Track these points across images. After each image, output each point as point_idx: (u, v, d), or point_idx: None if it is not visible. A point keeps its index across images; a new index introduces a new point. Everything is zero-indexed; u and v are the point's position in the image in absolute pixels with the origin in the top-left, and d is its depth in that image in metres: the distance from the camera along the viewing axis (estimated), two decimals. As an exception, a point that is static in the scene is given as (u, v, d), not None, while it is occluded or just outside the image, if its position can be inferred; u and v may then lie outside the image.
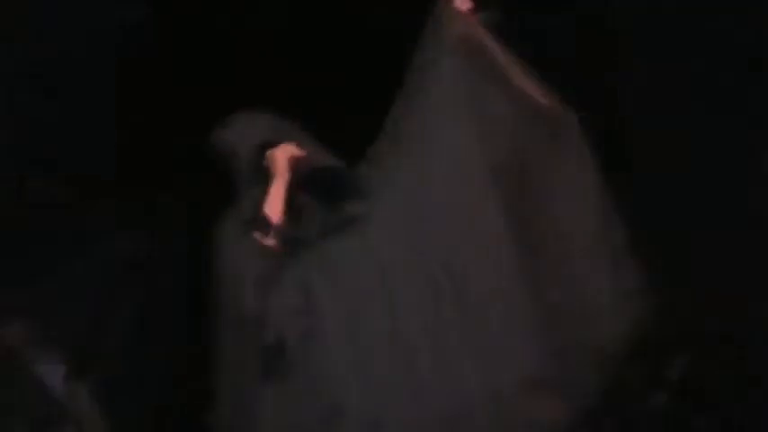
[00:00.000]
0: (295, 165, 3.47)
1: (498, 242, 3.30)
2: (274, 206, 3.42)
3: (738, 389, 5.66)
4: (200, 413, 3.79)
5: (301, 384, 3.24)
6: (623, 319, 3.52)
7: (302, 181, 3.49)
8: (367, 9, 5.72)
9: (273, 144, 3.51)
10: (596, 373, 3.49)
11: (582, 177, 3.49)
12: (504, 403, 3.24)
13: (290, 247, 3.39)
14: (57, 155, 5.85)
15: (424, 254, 3.36)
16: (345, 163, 3.58)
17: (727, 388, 5.68)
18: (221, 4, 6.14)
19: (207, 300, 3.54)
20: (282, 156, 3.47)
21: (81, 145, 5.88)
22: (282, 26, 6.09)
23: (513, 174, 3.37)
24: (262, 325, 3.26)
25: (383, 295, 3.28)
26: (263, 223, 3.37)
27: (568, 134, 3.49)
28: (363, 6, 5.70)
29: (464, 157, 3.37)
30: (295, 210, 3.46)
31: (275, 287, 3.28)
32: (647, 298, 3.53)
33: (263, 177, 3.47)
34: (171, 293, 5.35)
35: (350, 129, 3.90)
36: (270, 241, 3.36)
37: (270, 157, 3.45)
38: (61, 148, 5.85)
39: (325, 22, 5.92)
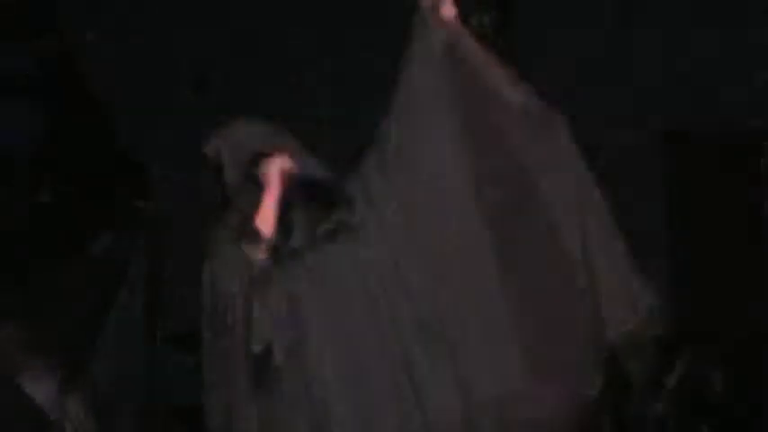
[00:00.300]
0: (287, 178, 3.47)
1: (483, 257, 3.31)
2: (266, 220, 3.43)
3: (738, 389, 5.69)
4: (195, 421, 3.83)
5: (289, 396, 3.25)
6: (624, 322, 3.52)
7: (293, 193, 3.50)
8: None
9: (265, 153, 3.51)
10: (597, 373, 3.49)
11: (575, 181, 3.49)
12: (491, 415, 3.26)
13: (279, 258, 3.39)
14: (55, 156, 5.90)
15: (410, 268, 3.37)
16: (336, 174, 3.59)
17: (728, 388, 5.71)
18: (223, 9, 6.22)
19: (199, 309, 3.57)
20: (275, 168, 3.47)
21: (78, 147, 5.92)
22: (284, 31, 6.17)
23: (504, 183, 3.37)
24: (249, 337, 3.27)
25: (371, 307, 3.29)
26: (253, 236, 3.38)
27: (559, 138, 3.48)
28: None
29: (450, 171, 3.36)
30: (285, 222, 3.47)
31: (263, 299, 3.28)
32: (648, 301, 3.53)
33: (254, 187, 3.47)
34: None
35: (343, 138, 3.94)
36: (260, 254, 3.37)
37: (262, 170, 3.46)
38: (59, 150, 5.90)
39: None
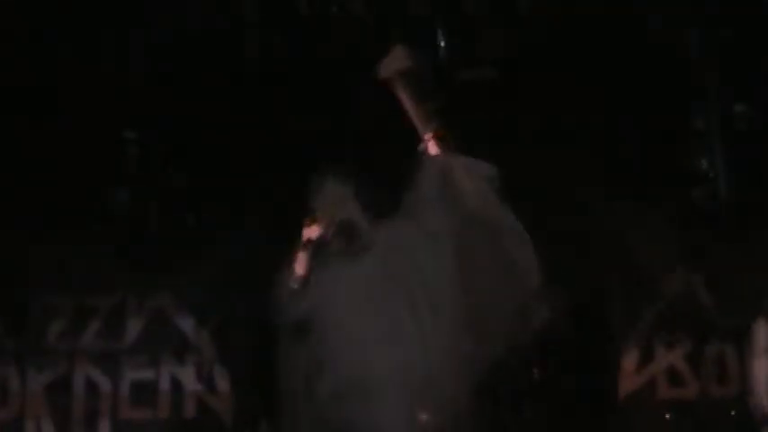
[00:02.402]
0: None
1: (451, 286, 5.03)
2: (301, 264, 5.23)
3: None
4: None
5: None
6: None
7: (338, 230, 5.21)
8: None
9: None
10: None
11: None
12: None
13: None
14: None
15: (402, 279, 5.10)
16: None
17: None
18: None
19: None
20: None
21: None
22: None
23: (466, 256, 5.05)
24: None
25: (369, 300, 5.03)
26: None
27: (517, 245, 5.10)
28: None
29: (440, 237, 5.07)
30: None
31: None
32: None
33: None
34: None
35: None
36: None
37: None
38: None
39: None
